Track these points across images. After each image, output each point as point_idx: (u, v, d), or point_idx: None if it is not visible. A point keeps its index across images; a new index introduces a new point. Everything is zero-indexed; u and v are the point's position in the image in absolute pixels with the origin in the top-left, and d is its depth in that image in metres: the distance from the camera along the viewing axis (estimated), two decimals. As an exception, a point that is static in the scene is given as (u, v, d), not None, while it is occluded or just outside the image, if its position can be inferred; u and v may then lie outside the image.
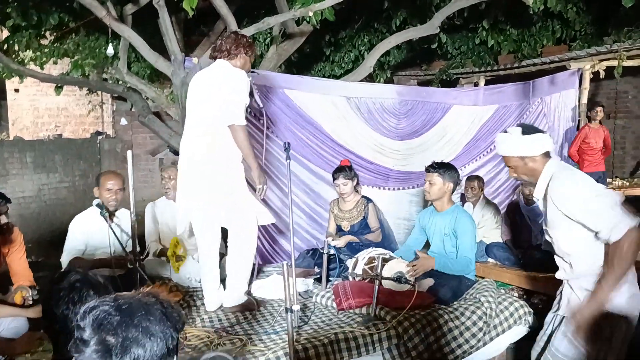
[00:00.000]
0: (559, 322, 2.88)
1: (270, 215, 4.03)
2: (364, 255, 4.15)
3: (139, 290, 1.34)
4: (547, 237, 2.97)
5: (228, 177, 3.74)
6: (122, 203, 4.21)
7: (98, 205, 3.98)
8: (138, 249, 3.81)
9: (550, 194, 2.72)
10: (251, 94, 3.83)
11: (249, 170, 3.79)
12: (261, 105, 4.08)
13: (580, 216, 2.61)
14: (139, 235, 3.82)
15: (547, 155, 2.82)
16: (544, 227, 2.98)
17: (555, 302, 3.02)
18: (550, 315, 3.02)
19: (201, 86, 3.80)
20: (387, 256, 4.07)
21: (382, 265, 3.83)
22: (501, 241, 5.33)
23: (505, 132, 2.86)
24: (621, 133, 9.79)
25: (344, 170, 4.99)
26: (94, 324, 1.20)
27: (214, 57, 3.86)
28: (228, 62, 3.77)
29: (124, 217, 4.27)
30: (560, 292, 2.96)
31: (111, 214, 4.07)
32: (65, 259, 4.02)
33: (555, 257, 2.93)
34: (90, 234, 4.10)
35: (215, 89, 3.69)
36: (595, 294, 2.58)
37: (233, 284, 3.89)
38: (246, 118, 3.72)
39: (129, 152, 3.55)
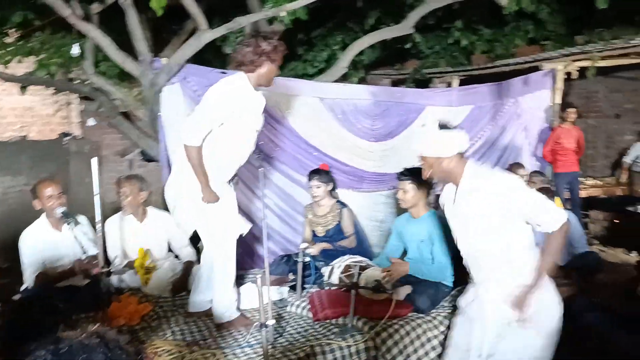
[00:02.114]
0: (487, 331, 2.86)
1: (244, 225, 3.92)
2: (339, 264, 4.05)
3: (85, 329, 1.20)
4: (462, 245, 2.99)
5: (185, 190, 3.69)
6: (88, 209, 4.05)
7: (64, 213, 3.84)
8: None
9: (484, 191, 2.73)
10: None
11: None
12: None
13: (527, 207, 2.72)
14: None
15: (462, 155, 2.81)
16: (461, 237, 2.98)
17: (465, 304, 3.05)
18: (466, 322, 3.00)
19: None
20: (364, 264, 3.98)
21: (359, 274, 3.74)
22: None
23: (421, 127, 2.88)
24: (593, 133, 9.85)
25: (318, 173, 4.90)
26: None
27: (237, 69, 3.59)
28: (245, 76, 3.51)
29: (85, 224, 4.14)
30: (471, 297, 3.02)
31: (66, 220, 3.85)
32: (29, 277, 3.86)
33: (469, 261, 2.99)
34: (43, 246, 3.94)
35: None
36: (533, 279, 2.75)
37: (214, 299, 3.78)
38: None
39: (94, 160, 3.41)
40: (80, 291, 3.77)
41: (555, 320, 2.82)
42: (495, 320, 2.83)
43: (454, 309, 3.79)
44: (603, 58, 6.81)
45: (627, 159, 8.30)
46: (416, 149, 2.92)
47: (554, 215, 2.73)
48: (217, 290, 3.73)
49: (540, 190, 5.08)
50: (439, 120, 2.80)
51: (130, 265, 4.33)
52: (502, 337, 2.81)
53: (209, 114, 3.42)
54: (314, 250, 4.57)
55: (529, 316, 2.76)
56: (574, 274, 4.85)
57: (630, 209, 6.80)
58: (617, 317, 3.61)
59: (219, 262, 3.70)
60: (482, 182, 2.78)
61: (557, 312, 2.83)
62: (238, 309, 3.83)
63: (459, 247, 3.03)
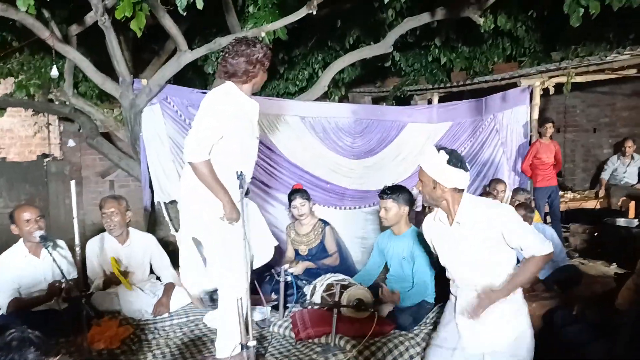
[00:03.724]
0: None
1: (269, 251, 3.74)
2: (322, 282, 4.05)
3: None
4: (454, 270, 2.98)
5: (195, 216, 3.45)
6: (68, 231, 4.01)
7: (42, 237, 3.80)
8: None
9: (480, 218, 2.78)
10: None
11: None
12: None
13: (517, 234, 2.76)
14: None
15: (457, 190, 2.84)
16: (453, 263, 2.97)
17: (446, 339, 3.02)
18: (445, 354, 2.99)
19: None
20: (346, 282, 3.98)
21: (341, 293, 3.74)
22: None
23: (438, 149, 2.82)
24: (571, 146, 10.00)
25: (300, 191, 4.92)
26: None
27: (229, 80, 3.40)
28: (234, 85, 3.34)
29: (64, 248, 4.11)
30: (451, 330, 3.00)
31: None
32: (2, 302, 3.79)
33: (459, 286, 3.00)
34: (20, 272, 3.89)
35: None
36: (503, 288, 2.80)
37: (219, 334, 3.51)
38: None
39: (72, 182, 3.38)
40: (59, 315, 3.72)
41: (530, 349, 2.85)
42: (475, 348, 2.86)
43: (436, 325, 3.80)
44: (578, 74, 6.92)
45: (605, 175, 8.38)
46: (422, 162, 2.90)
47: (542, 245, 2.76)
48: (226, 322, 3.40)
49: (520, 205, 5.16)
50: (449, 155, 2.78)
51: (109, 282, 4.29)
52: None
53: (209, 124, 3.24)
54: (298, 269, 4.57)
55: (508, 345, 2.79)
56: (555, 287, 4.90)
57: (609, 221, 6.87)
58: (595, 329, 3.65)
59: (229, 291, 3.34)
60: (479, 208, 2.82)
61: (531, 341, 2.88)
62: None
63: (450, 270, 3.03)
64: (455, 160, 2.78)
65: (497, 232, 2.75)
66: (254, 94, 3.53)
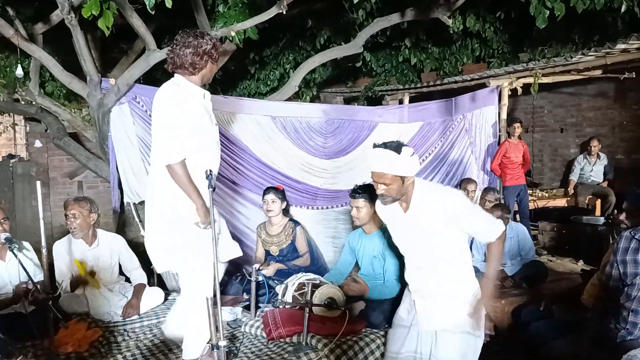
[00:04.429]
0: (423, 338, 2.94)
1: (232, 250, 3.65)
2: (293, 282, 4.04)
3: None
4: (406, 251, 3.06)
5: (163, 218, 3.30)
6: (35, 233, 3.94)
7: (7, 239, 3.72)
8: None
9: (434, 204, 2.82)
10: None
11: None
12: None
13: (470, 219, 2.83)
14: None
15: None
16: (408, 247, 3.05)
17: (404, 318, 3.09)
18: (402, 332, 3.05)
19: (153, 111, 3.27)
20: (317, 282, 3.98)
21: (312, 292, 3.74)
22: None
23: (385, 147, 2.78)
24: (539, 146, 10.18)
25: (274, 189, 4.91)
26: None
27: (173, 73, 3.30)
28: (185, 78, 3.23)
29: (30, 250, 4.03)
30: (408, 309, 3.08)
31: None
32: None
33: (412, 269, 3.06)
34: None
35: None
36: (486, 286, 2.91)
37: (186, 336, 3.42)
38: None
39: (38, 183, 3.31)
40: (26, 318, 3.64)
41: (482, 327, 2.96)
42: (428, 326, 2.92)
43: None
44: (545, 75, 7.04)
45: (573, 176, 8.48)
46: (381, 168, 2.80)
47: (494, 226, 2.87)
48: (193, 322, 3.32)
49: (495, 207, 5.22)
50: (407, 146, 2.79)
51: (77, 283, 4.23)
52: (437, 342, 2.89)
53: (174, 121, 3.09)
54: (269, 271, 4.54)
55: (460, 323, 2.87)
56: (523, 283, 4.98)
57: (576, 219, 7.02)
58: (562, 325, 3.72)
59: (197, 292, 3.26)
60: (432, 194, 2.86)
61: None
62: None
63: (404, 253, 3.10)
64: (410, 148, 2.82)
65: (450, 214, 2.80)
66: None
